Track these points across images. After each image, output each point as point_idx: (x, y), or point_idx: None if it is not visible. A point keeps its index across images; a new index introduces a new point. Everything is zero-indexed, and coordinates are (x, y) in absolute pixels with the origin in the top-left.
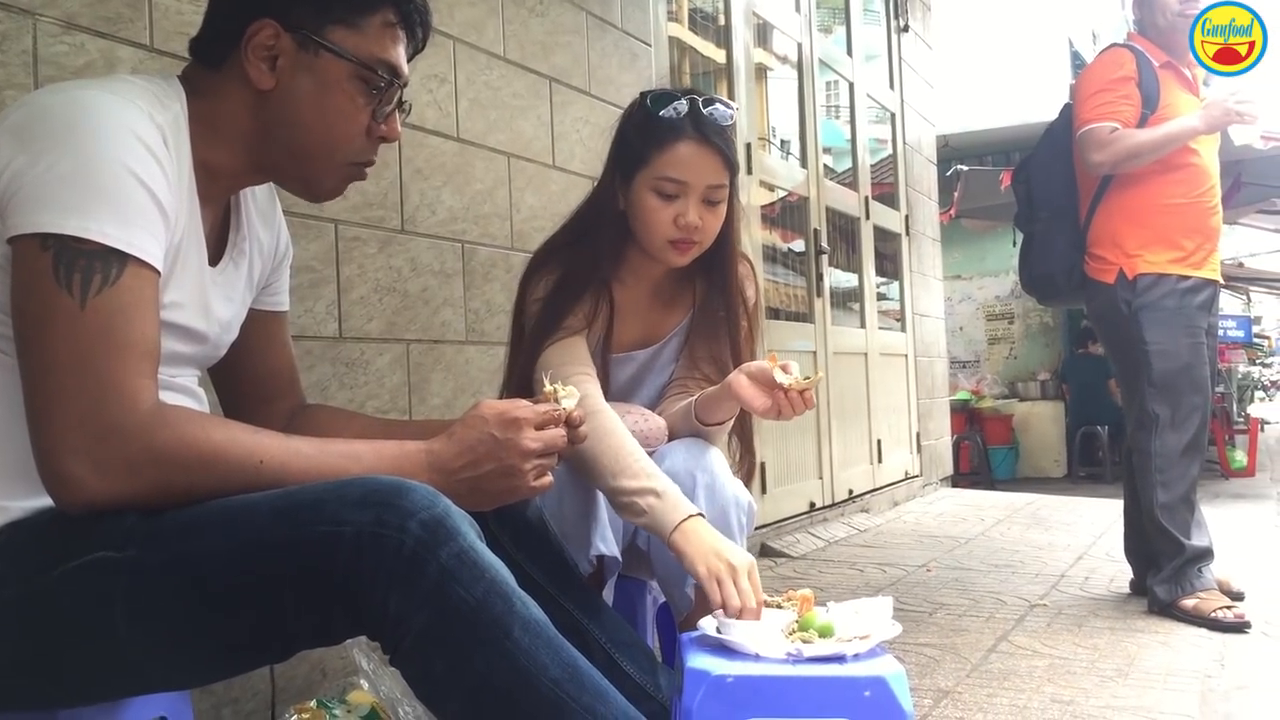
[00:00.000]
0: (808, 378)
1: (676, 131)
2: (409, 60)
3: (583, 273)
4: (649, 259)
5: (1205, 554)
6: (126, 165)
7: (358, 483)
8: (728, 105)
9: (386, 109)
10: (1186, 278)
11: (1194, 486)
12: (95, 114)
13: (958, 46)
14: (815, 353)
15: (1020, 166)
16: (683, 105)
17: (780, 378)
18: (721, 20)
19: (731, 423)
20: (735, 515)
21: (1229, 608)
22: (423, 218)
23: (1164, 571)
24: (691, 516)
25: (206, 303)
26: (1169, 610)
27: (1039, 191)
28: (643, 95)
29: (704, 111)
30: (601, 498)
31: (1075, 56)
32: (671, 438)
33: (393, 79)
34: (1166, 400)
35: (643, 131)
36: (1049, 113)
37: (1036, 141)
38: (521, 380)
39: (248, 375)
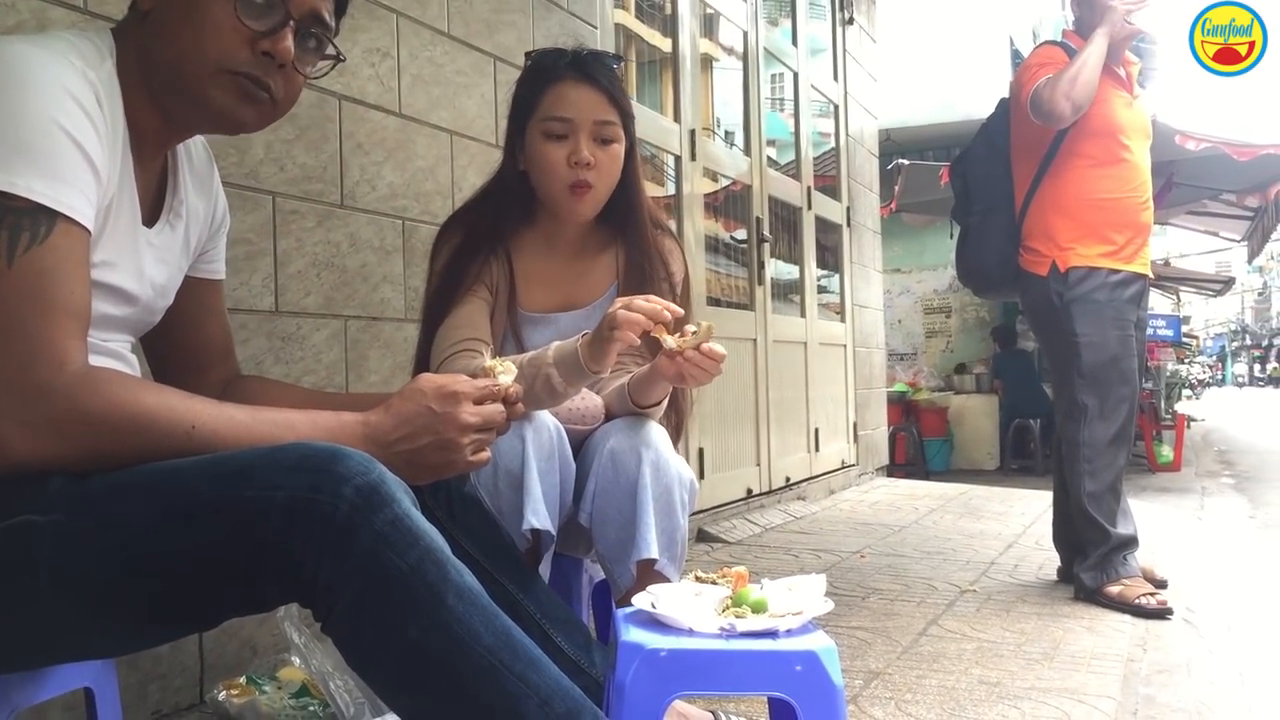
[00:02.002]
0: (694, 333)
1: (558, 72)
2: (340, 6)
3: (482, 235)
4: (556, 218)
5: (1130, 542)
6: (57, 121)
7: (291, 448)
8: (612, 56)
9: (269, 21)
10: (1117, 271)
11: (1120, 476)
12: (26, 68)
13: (901, 41)
14: (755, 340)
15: (957, 161)
16: (565, 55)
17: (667, 342)
18: (668, 9)
19: (666, 402)
20: (679, 493)
21: (1152, 594)
22: (363, 193)
23: (1090, 559)
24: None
25: (140, 264)
26: (1094, 596)
27: (975, 186)
28: (528, 54)
29: (584, 55)
30: (535, 471)
31: (1016, 55)
32: (609, 417)
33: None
34: (1095, 391)
35: (528, 82)
36: (988, 109)
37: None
38: (422, 351)
39: (181, 343)
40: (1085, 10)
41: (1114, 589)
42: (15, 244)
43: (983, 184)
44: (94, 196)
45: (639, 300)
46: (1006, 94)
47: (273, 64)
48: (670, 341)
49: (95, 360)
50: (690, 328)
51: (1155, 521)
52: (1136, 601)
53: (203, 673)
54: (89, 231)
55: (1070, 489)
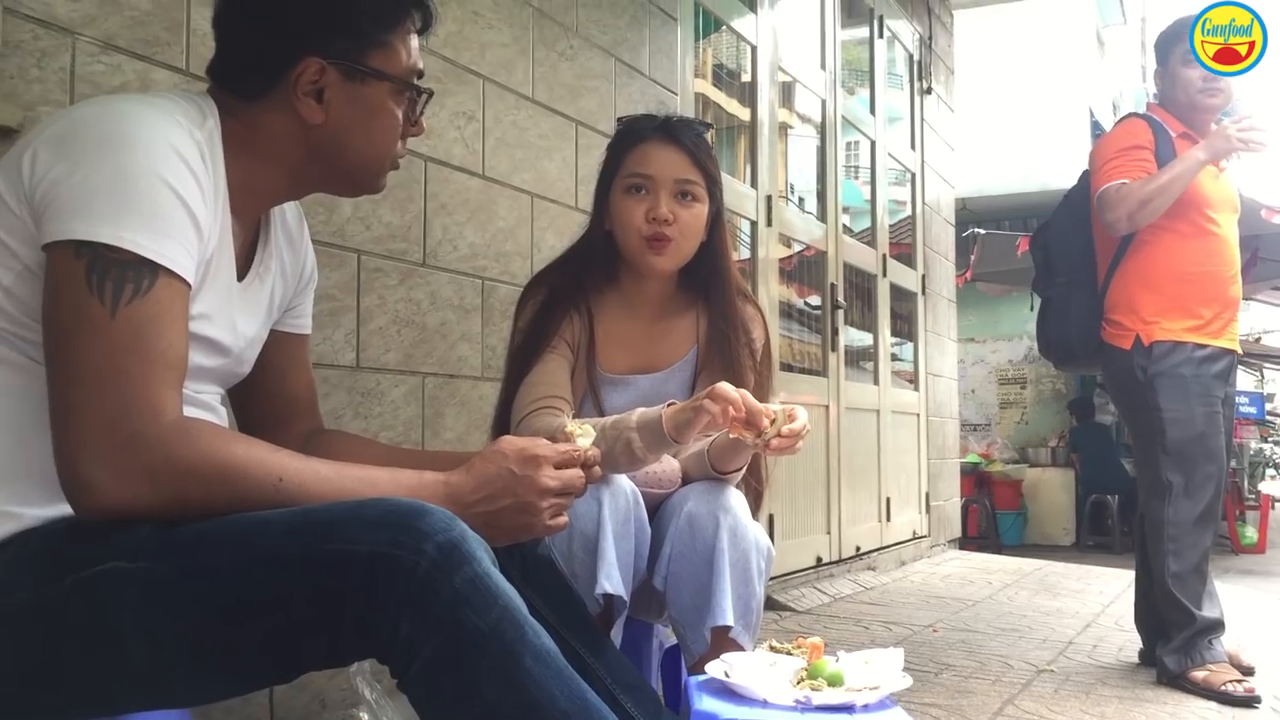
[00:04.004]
0: (773, 422)
1: (644, 134)
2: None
3: (565, 293)
4: (639, 277)
5: (1216, 625)
6: (163, 178)
7: (375, 503)
8: (700, 122)
9: (418, 112)
10: (1203, 346)
11: (1206, 557)
12: (135, 126)
13: (979, 111)
14: (828, 407)
15: (1038, 232)
16: (654, 119)
17: (747, 440)
18: (745, 77)
19: (745, 468)
20: (756, 560)
21: (1239, 681)
22: (444, 252)
23: (1174, 642)
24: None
25: (232, 317)
26: (1178, 681)
27: (1057, 257)
28: (619, 119)
29: (672, 119)
30: (610, 535)
31: (1095, 126)
32: (686, 481)
33: (419, 83)
34: (1180, 468)
35: (616, 144)
36: (1067, 180)
37: (1054, 208)
38: (504, 407)
39: (268, 396)
40: (1167, 85)
41: (1199, 674)
42: (120, 295)
43: (1065, 256)
44: (195, 251)
45: (746, 392)
46: (1087, 166)
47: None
48: (749, 439)
49: (188, 411)
50: (772, 410)
51: (1240, 605)
52: (1223, 688)
53: None
54: (189, 285)
55: (1153, 569)
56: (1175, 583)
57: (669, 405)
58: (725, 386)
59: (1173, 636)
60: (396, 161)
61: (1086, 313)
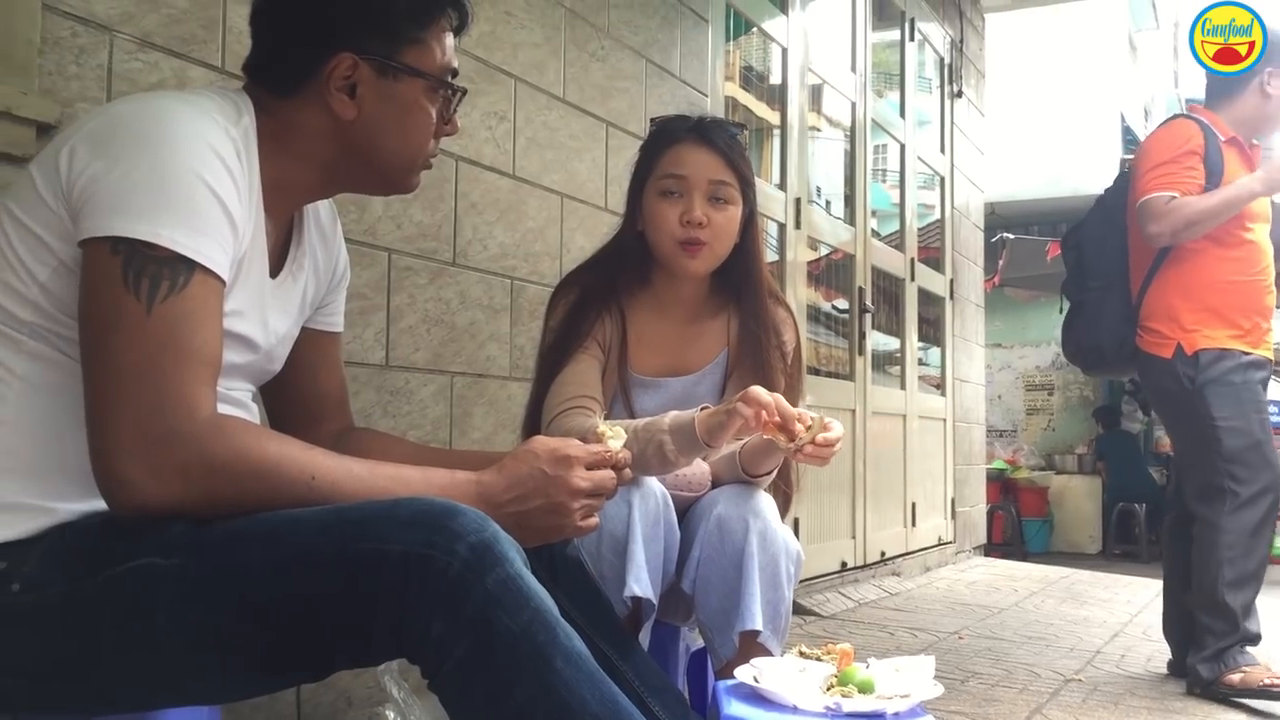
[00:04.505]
0: (809, 427)
1: (678, 135)
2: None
3: (597, 293)
4: (672, 279)
5: (1255, 639)
6: (200, 175)
7: (407, 503)
8: (734, 124)
9: (451, 111)
10: (1247, 354)
11: (1263, 566)
12: (172, 123)
13: (1010, 115)
14: (854, 411)
15: (1070, 233)
16: (687, 120)
17: (781, 444)
18: (774, 79)
19: (777, 471)
20: (785, 564)
21: (1279, 679)
22: (474, 252)
23: (1208, 650)
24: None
25: (264, 313)
26: (1211, 689)
27: (1090, 261)
28: (652, 120)
29: (706, 121)
30: (639, 538)
31: (1127, 131)
32: (716, 484)
33: (453, 81)
34: (1240, 477)
35: (649, 145)
36: (1098, 185)
37: (1086, 211)
38: (535, 404)
39: (299, 394)
40: (1219, 87)
41: (1234, 677)
42: (155, 292)
43: (1099, 259)
44: (230, 248)
45: (779, 396)
46: (1123, 169)
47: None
48: (783, 443)
49: (221, 408)
50: (807, 416)
51: (1273, 617)
52: (1264, 683)
53: None
54: (224, 282)
55: (1199, 577)
56: (1229, 591)
57: (702, 409)
58: (758, 390)
59: (1208, 645)
60: (429, 161)
61: (1121, 319)
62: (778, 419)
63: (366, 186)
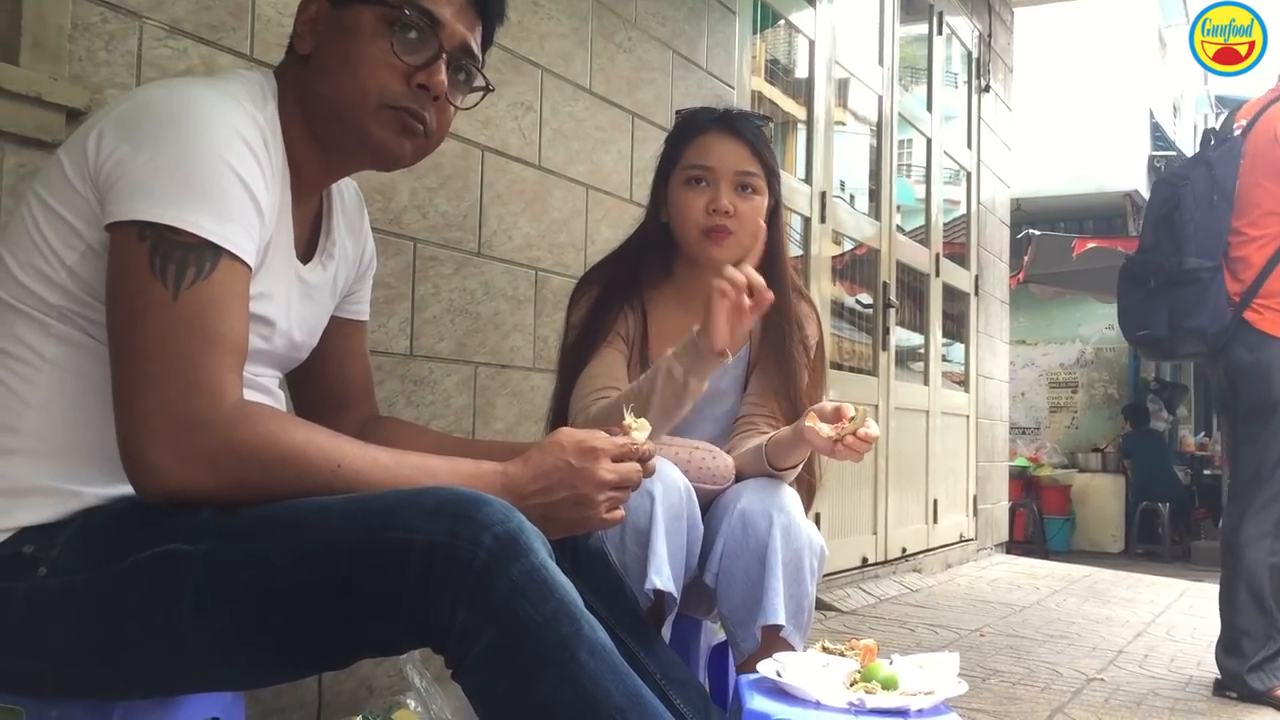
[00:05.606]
0: (852, 419)
1: (704, 126)
2: (486, 38)
3: (620, 287)
4: (695, 270)
5: None
6: (226, 161)
7: (433, 492)
8: (759, 116)
9: (423, 55)
10: None
11: None
12: (199, 109)
13: (1037, 111)
14: (877, 406)
15: (1161, 201)
16: (713, 111)
17: (823, 430)
18: (800, 72)
19: (800, 466)
20: (809, 559)
21: None
22: (499, 242)
23: (1254, 658)
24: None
25: (290, 299)
26: (1263, 699)
27: (1194, 234)
28: (678, 111)
29: (732, 112)
30: (662, 531)
31: (1155, 128)
32: (740, 477)
33: (425, 23)
34: None
35: (675, 135)
36: (1125, 182)
37: (1186, 166)
38: (560, 400)
39: (324, 382)
40: None
41: None
42: (182, 278)
43: (1206, 235)
44: (257, 234)
45: (748, 268)
46: (1147, 164)
47: (427, 96)
48: (826, 430)
49: (247, 394)
50: (849, 408)
51: None
52: None
53: (320, 708)
54: (250, 268)
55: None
56: None
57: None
58: (729, 270)
59: (1248, 652)
60: (409, 117)
61: (1225, 301)
62: (747, 289)
63: (349, 148)
